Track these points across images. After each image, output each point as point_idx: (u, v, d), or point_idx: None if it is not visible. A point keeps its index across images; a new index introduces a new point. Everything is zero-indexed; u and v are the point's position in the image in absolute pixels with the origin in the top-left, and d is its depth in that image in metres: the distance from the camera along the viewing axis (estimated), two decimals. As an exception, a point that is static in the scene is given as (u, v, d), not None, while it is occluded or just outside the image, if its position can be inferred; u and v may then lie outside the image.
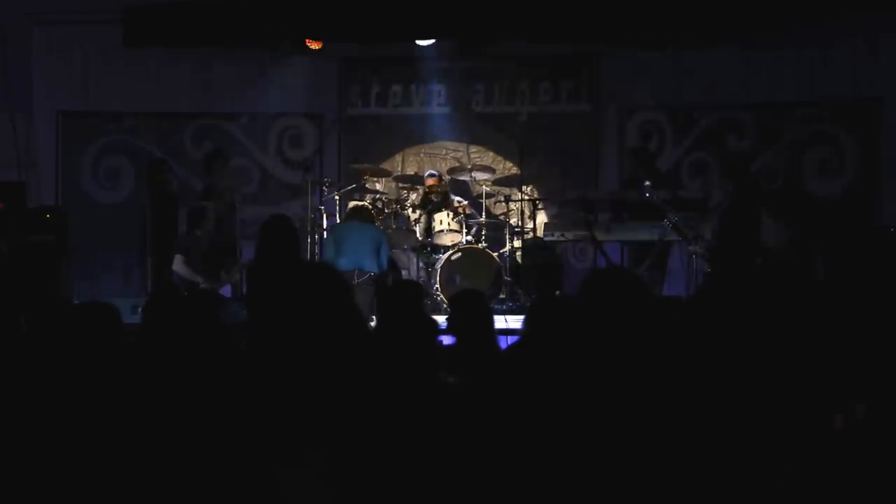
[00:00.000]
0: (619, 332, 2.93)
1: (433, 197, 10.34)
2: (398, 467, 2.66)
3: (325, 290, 2.71)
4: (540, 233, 9.99)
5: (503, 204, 10.60)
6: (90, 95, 10.79)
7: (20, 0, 10.42)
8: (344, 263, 8.31)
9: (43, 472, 3.13)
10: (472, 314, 4.82)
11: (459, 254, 9.59)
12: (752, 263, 8.14)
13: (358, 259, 8.50)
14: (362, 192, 10.19)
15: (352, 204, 9.40)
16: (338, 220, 9.82)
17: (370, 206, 9.47)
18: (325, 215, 9.97)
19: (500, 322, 8.52)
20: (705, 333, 3.87)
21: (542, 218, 10.48)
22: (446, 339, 4.71)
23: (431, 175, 10.53)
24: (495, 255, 9.64)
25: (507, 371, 3.98)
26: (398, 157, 11.33)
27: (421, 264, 9.78)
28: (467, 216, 10.00)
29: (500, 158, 11.18)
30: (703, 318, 4.17)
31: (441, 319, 5.15)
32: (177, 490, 2.94)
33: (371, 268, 8.52)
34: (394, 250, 9.48)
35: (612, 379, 2.88)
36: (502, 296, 9.47)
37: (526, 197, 10.37)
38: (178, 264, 9.28)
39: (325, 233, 9.85)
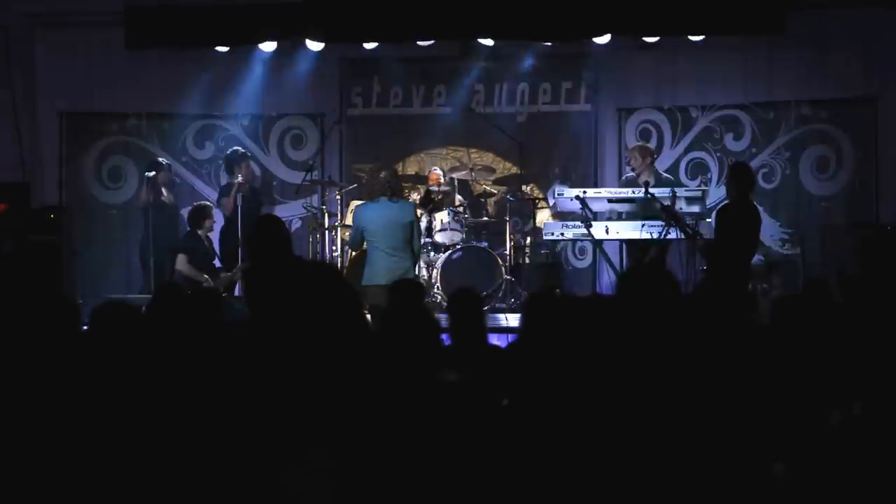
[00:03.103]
0: (656, 330, 2.96)
1: (433, 196, 10.38)
2: (400, 466, 2.69)
3: (325, 289, 2.73)
4: (540, 232, 10.03)
5: (504, 203, 10.64)
6: (93, 96, 10.78)
7: (23, 1, 10.45)
8: (381, 278, 7.52)
9: (48, 470, 3.15)
10: (464, 313, 4.85)
11: (460, 252, 9.63)
12: (749, 262, 8.19)
13: (397, 264, 7.76)
14: (363, 191, 10.22)
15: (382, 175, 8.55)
16: (339, 221, 9.84)
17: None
18: (326, 215, 10.02)
19: (501, 320, 8.59)
20: (702, 330, 3.92)
21: (541, 217, 10.52)
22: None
23: (435, 170, 10.59)
24: (496, 253, 9.68)
25: (507, 368, 4.02)
26: (399, 157, 11.37)
27: (422, 263, 9.81)
28: (466, 217, 10.01)
29: (499, 158, 11.21)
30: (700, 315, 4.23)
31: (443, 318, 5.19)
32: (180, 489, 2.98)
33: (410, 269, 7.82)
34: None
35: (628, 375, 2.91)
36: (502, 294, 9.51)
37: (526, 196, 10.42)
38: (181, 263, 9.32)
39: (330, 230, 9.87)
